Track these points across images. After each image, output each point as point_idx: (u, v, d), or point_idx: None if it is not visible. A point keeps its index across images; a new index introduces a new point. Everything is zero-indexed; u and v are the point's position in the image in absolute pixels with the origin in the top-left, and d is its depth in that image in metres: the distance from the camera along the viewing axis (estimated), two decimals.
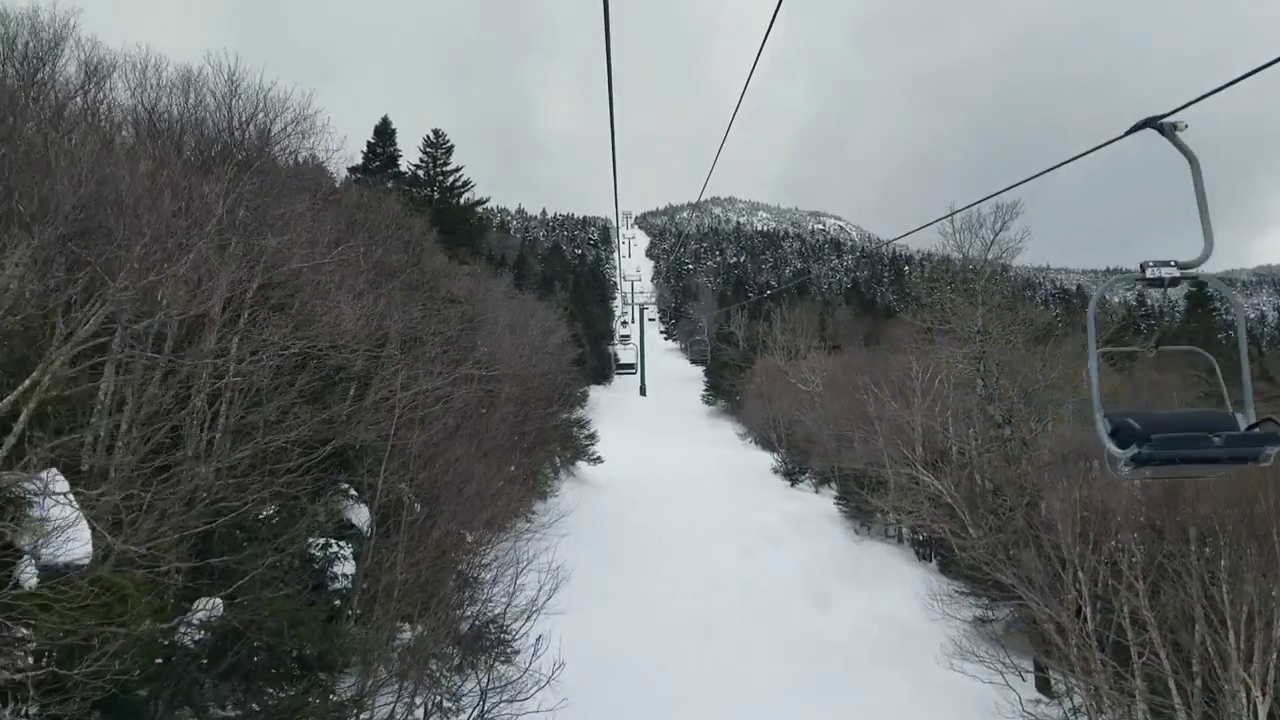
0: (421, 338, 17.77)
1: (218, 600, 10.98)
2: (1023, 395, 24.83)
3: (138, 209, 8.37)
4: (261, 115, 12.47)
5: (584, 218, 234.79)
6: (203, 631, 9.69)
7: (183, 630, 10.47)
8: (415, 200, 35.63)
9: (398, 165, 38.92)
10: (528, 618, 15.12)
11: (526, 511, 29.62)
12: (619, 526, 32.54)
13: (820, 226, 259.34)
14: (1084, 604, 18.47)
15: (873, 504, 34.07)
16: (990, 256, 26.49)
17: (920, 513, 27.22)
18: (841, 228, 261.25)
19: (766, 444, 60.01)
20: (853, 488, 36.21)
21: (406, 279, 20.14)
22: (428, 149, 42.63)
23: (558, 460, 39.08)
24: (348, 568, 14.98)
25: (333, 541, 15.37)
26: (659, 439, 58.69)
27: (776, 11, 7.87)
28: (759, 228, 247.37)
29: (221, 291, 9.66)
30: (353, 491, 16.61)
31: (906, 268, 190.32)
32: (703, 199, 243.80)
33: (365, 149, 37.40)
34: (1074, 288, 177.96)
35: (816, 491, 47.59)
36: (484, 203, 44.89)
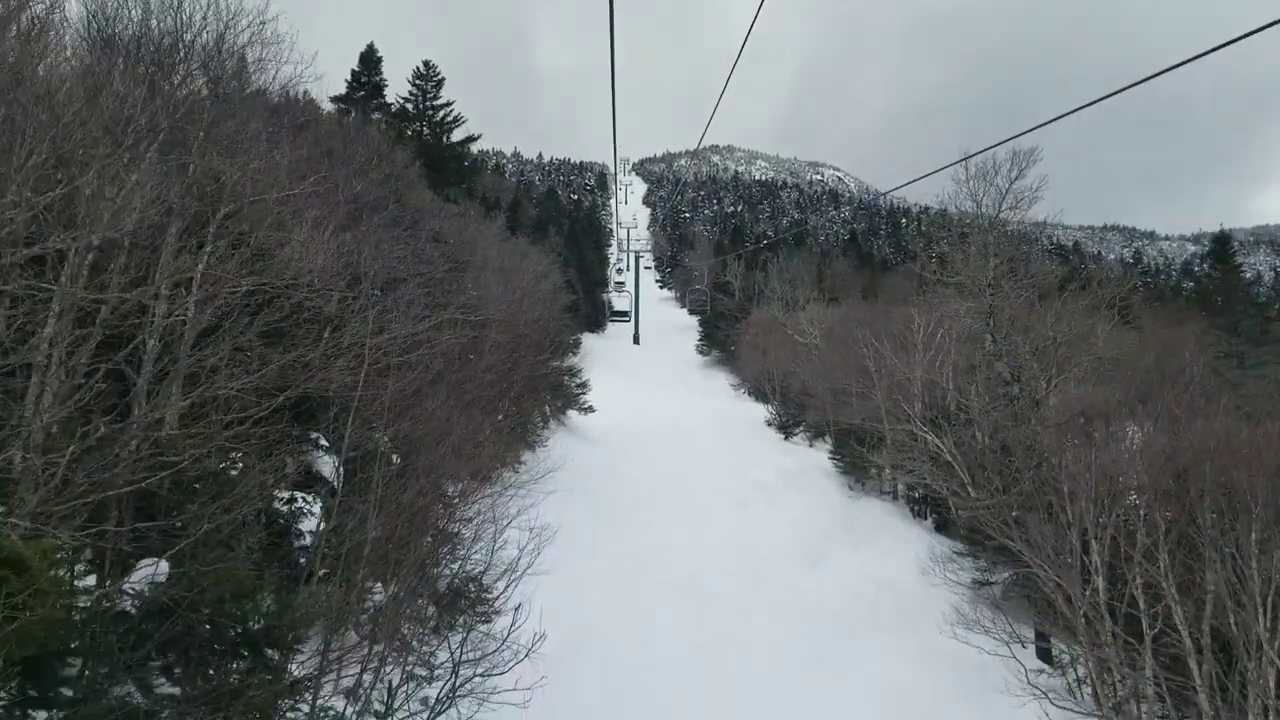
0: (402, 278, 16.53)
1: (163, 563, 9.92)
2: (1033, 352, 23.67)
3: (36, 108, 7.10)
4: (214, 19, 11.06)
5: (581, 163, 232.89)
6: (137, 601, 8.62)
7: (119, 598, 9.41)
8: (403, 135, 34.02)
9: (383, 95, 36.92)
10: (507, 585, 14.08)
11: (514, 462, 28.69)
12: (610, 478, 31.65)
13: (819, 177, 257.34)
14: (1095, 573, 17.56)
15: (870, 460, 33.14)
16: (1005, 206, 25.11)
17: (920, 471, 26.22)
18: (840, 179, 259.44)
19: (760, 396, 59.08)
20: (852, 445, 35.20)
21: (387, 215, 18.86)
22: (417, 81, 40.51)
23: (547, 409, 38.07)
24: (314, 524, 13.96)
25: (298, 495, 14.33)
26: (652, 389, 57.96)
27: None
28: (757, 177, 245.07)
29: (140, 215, 8.41)
30: (323, 441, 15.54)
31: (904, 220, 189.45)
32: (701, 147, 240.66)
33: (349, 78, 35.54)
34: (1070, 244, 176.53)
35: (811, 445, 46.80)
36: (476, 139, 43.06)
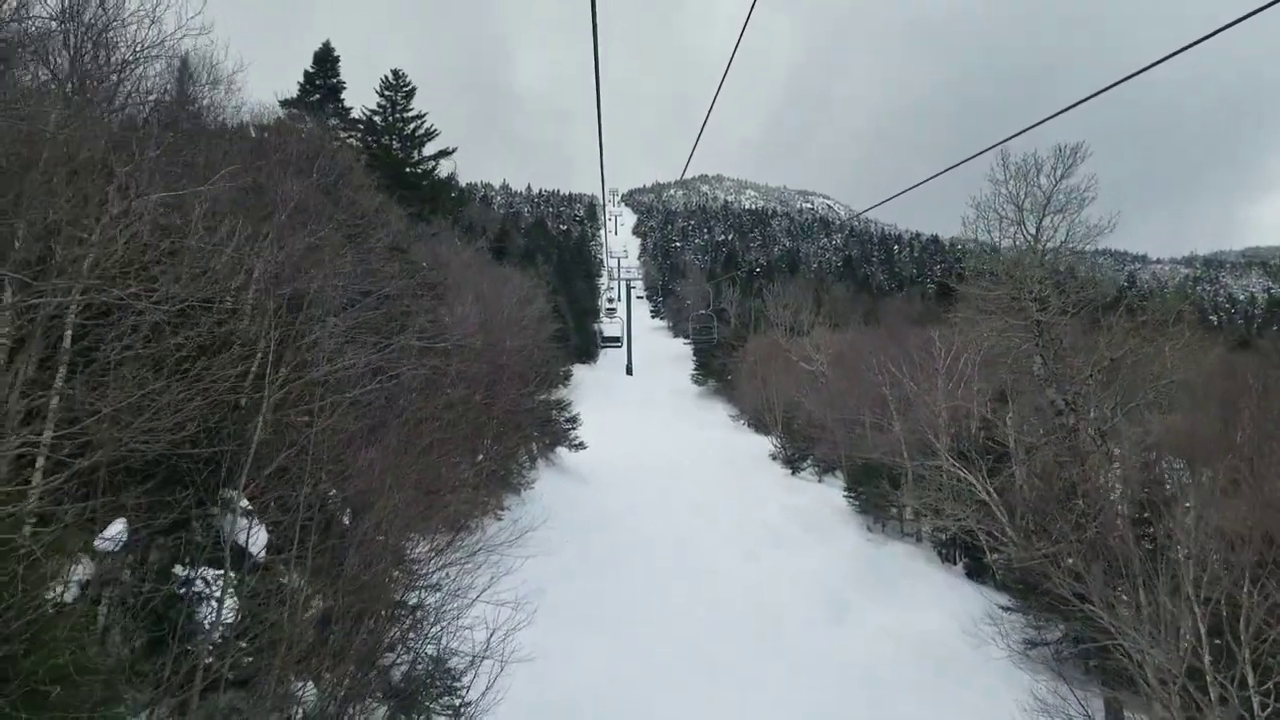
0: (336, 293, 13.31)
1: None
2: (1092, 376, 20.31)
3: None
4: None
5: (569, 194, 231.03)
6: None
7: None
8: (370, 150, 30.74)
9: (340, 99, 33.24)
10: (463, 703, 10.81)
11: (496, 509, 25.37)
12: (601, 526, 28.13)
13: (809, 205, 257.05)
14: (1199, 645, 14.35)
15: (897, 501, 29.81)
16: (1050, 210, 21.93)
17: (966, 517, 22.80)
18: (830, 206, 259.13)
19: (761, 427, 55.89)
20: (884, 484, 31.75)
21: (335, 223, 15.71)
22: (386, 91, 36.94)
23: (534, 447, 34.63)
24: (216, 612, 10.70)
25: (198, 576, 11.03)
26: (647, 421, 55.10)
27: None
28: (747, 205, 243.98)
29: None
30: (244, 502, 12.30)
31: (895, 247, 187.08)
32: (690, 177, 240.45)
33: (301, 79, 32.05)
34: (1061, 268, 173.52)
35: (820, 480, 43.53)
36: (450, 153, 39.24)
